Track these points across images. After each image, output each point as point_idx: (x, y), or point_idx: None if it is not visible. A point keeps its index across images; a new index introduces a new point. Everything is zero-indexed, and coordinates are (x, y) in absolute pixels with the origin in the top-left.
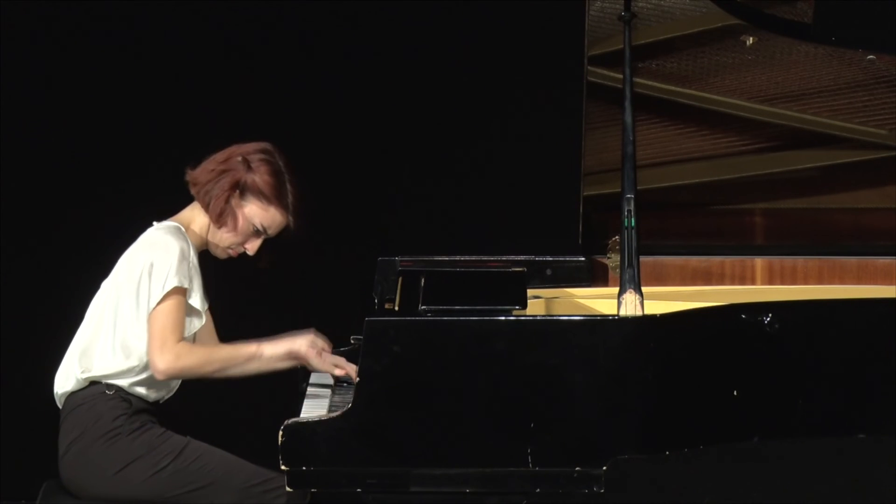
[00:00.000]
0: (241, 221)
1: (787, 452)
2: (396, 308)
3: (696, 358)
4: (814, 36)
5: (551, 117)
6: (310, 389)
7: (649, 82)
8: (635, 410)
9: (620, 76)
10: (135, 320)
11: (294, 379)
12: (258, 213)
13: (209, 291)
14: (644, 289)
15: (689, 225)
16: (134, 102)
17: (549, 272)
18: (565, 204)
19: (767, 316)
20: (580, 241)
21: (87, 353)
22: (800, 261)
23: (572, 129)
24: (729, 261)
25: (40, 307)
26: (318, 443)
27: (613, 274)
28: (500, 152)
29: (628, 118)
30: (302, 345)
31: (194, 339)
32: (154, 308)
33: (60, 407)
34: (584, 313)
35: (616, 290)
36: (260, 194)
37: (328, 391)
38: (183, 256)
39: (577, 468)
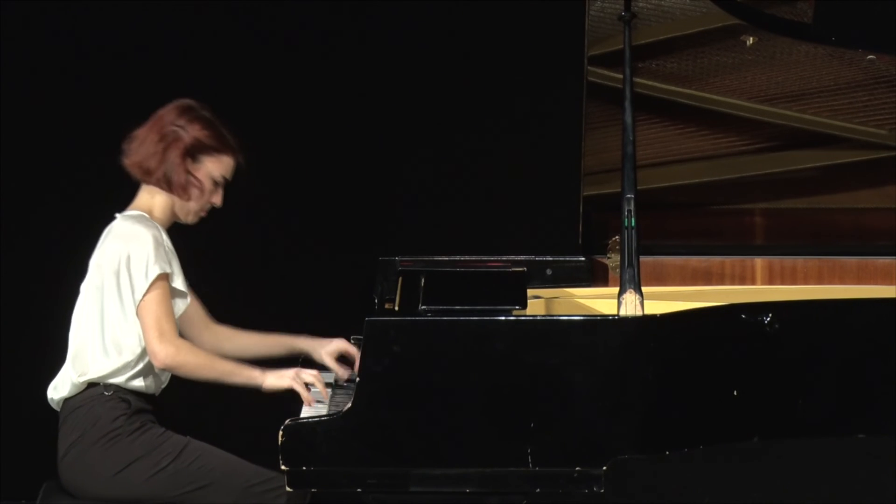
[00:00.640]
0: (204, 183)
1: (787, 452)
2: (396, 308)
3: (696, 358)
4: (814, 36)
5: (551, 117)
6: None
7: (649, 82)
8: (635, 410)
9: (620, 76)
10: (122, 317)
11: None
12: (214, 167)
13: (205, 277)
14: (644, 289)
15: (689, 225)
16: (135, 101)
17: (549, 272)
18: (565, 204)
19: (767, 316)
20: (580, 241)
21: (79, 358)
22: (800, 261)
23: (572, 129)
24: (729, 261)
25: (40, 307)
26: (318, 443)
27: (613, 274)
28: (501, 152)
29: (628, 118)
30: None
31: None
32: (142, 299)
33: (58, 410)
34: (584, 313)
35: (616, 290)
36: (208, 149)
37: (328, 390)
38: (158, 243)
39: (577, 468)
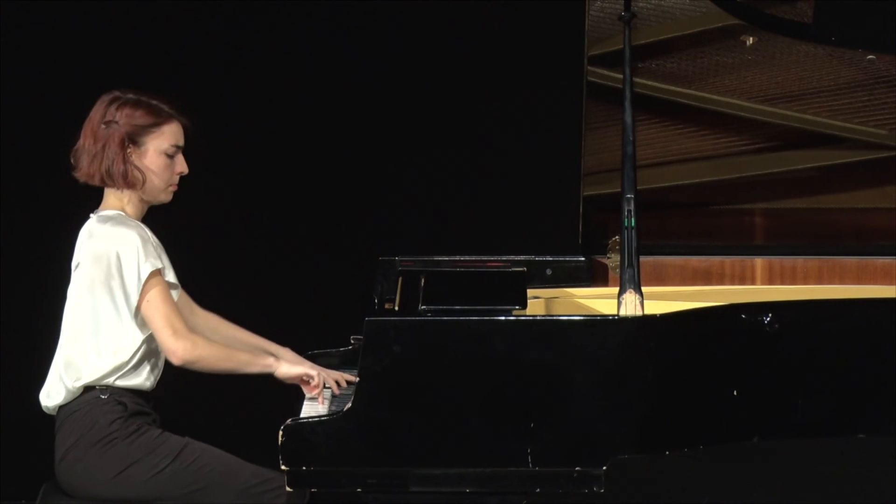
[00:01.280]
0: (154, 161)
1: (787, 452)
2: (396, 308)
3: (696, 358)
4: (814, 36)
5: (551, 117)
6: None
7: (649, 82)
8: (635, 410)
9: (620, 76)
10: (116, 319)
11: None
12: (160, 141)
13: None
14: (644, 289)
15: (689, 225)
16: None
17: (549, 272)
18: (565, 204)
19: (767, 316)
20: (580, 241)
21: (71, 364)
22: (800, 261)
23: (572, 129)
24: (729, 261)
25: (38, 308)
26: (318, 443)
27: (613, 274)
28: (500, 152)
29: (628, 118)
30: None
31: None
32: (143, 300)
33: (54, 415)
34: (584, 313)
35: (616, 290)
36: (145, 128)
37: (328, 391)
38: (144, 240)
39: (577, 468)
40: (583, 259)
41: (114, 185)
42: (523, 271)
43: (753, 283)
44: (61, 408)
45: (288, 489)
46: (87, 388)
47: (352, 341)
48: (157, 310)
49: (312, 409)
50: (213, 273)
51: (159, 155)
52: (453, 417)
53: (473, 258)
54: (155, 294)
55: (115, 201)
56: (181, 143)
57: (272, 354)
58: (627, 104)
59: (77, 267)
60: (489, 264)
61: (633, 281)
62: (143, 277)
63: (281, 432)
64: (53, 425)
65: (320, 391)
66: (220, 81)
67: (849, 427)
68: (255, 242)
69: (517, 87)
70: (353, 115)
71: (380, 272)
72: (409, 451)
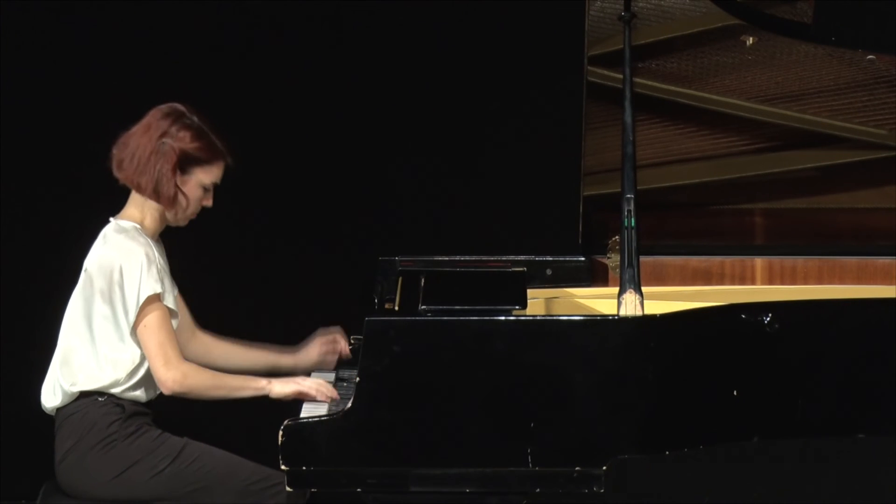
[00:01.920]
0: (192, 191)
1: (787, 452)
2: (396, 308)
3: (696, 358)
4: (814, 36)
5: (551, 117)
6: None
7: (649, 82)
8: (635, 410)
9: (620, 76)
10: (115, 336)
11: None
12: (205, 176)
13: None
14: (644, 289)
15: (689, 225)
16: (134, 102)
17: (549, 272)
18: (565, 204)
19: (767, 316)
20: (580, 241)
21: (69, 366)
22: (800, 261)
23: (572, 129)
24: (729, 261)
25: (39, 307)
26: (318, 443)
27: (613, 274)
28: (501, 152)
29: (628, 118)
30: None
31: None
32: (140, 323)
33: (53, 415)
34: (584, 313)
35: (616, 290)
36: (197, 161)
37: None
38: (150, 260)
39: (577, 468)
40: (583, 259)
41: (159, 201)
42: (523, 271)
43: (753, 283)
44: (59, 410)
45: (288, 489)
46: (84, 394)
47: (352, 341)
48: (153, 337)
49: (312, 409)
50: (213, 273)
51: (198, 187)
52: (453, 417)
53: (473, 258)
54: (152, 319)
55: (136, 212)
56: (219, 181)
57: (263, 377)
58: (627, 104)
59: (85, 270)
60: (489, 264)
61: (633, 281)
62: (142, 299)
63: (281, 432)
64: (53, 425)
65: (324, 391)
66: (219, 81)
67: (849, 427)
68: (254, 242)
69: (517, 87)
70: (353, 115)
71: (380, 272)
72: (409, 451)
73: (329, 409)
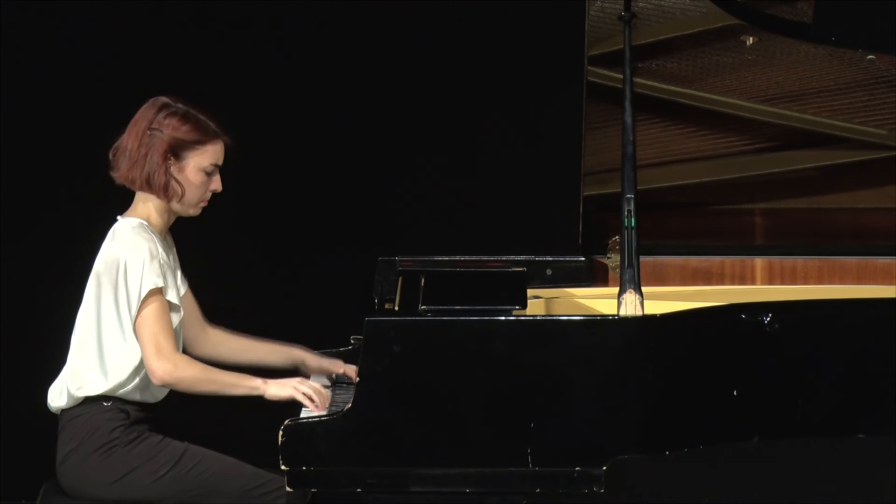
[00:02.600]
0: (192, 177)
1: (787, 452)
2: (396, 308)
3: (696, 358)
4: (814, 36)
5: (551, 117)
6: None
7: (649, 82)
8: (635, 410)
9: (620, 76)
10: (119, 335)
11: (308, 375)
12: (201, 159)
13: (202, 277)
14: (644, 289)
15: (689, 225)
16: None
17: (549, 272)
18: (565, 204)
19: (767, 316)
20: (580, 241)
21: (77, 370)
22: (800, 261)
23: (572, 129)
24: (729, 261)
25: (41, 307)
26: (318, 443)
27: (613, 274)
28: (500, 152)
29: (628, 118)
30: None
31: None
32: (138, 315)
33: (58, 415)
34: (584, 313)
35: (616, 290)
36: (189, 144)
37: (328, 391)
38: (153, 256)
39: (577, 468)
40: (583, 259)
41: (152, 192)
42: (523, 271)
43: (753, 283)
44: (64, 411)
45: (288, 489)
46: (90, 399)
47: (352, 341)
48: (147, 327)
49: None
50: (213, 273)
51: (198, 172)
52: (453, 417)
53: (473, 258)
54: (149, 311)
55: (142, 209)
56: (220, 162)
57: (258, 377)
58: (627, 104)
59: (95, 269)
60: (489, 264)
61: (633, 281)
62: (144, 292)
63: (281, 432)
64: (54, 425)
65: (316, 402)
66: (219, 81)
67: (849, 427)
68: (254, 242)
69: (517, 88)
70: (352, 115)
71: (380, 272)
72: (409, 451)
73: (329, 409)
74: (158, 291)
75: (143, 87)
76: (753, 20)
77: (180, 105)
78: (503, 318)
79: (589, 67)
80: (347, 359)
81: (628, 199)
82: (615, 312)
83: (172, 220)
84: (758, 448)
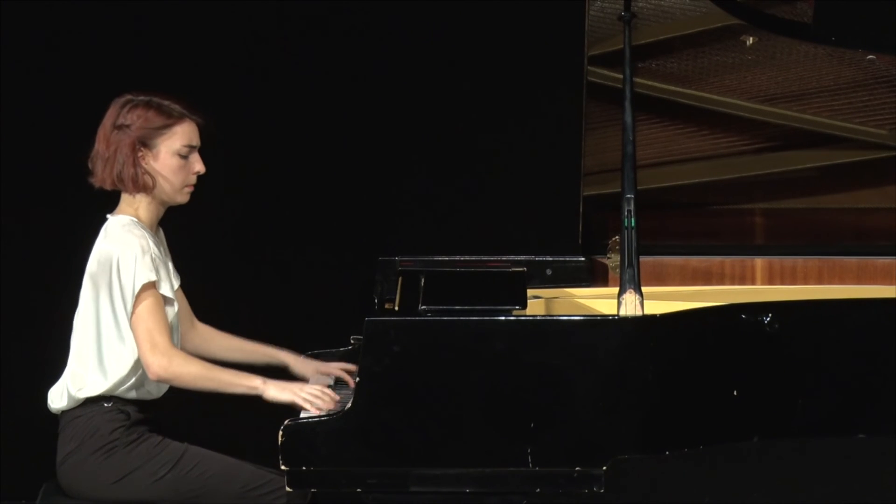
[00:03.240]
0: (167, 162)
1: (787, 452)
2: (396, 308)
3: (696, 358)
4: (814, 36)
5: (551, 117)
6: None
7: (649, 82)
8: (635, 410)
9: (620, 76)
10: (116, 334)
11: (294, 379)
12: (172, 142)
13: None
14: (644, 289)
15: (689, 225)
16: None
17: (549, 272)
18: (565, 204)
19: (767, 316)
20: (580, 241)
21: (77, 372)
22: (800, 261)
23: (572, 129)
24: (729, 261)
25: (40, 307)
26: (318, 443)
27: (613, 274)
28: (501, 152)
29: (628, 118)
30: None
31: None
32: (133, 310)
33: (58, 416)
34: (584, 313)
35: (616, 290)
36: (156, 130)
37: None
38: (144, 251)
39: (577, 468)
40: (583, 259)
41: (125, 189)
42: (523, 271)
43: (753, 283)
44: (65, 412)
45: (288, 489)
46: (90, 400)
47: (352, 341)
48: (142, 322)
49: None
50: (213, 273)
51: (172, 156)
52: (453, 417)
53: (473, 258)
54: (144, 307)
55: (128, 207)
56: (195, 142)
57: (259, 376)
58: (627, 104)
59: (88, 269)
60: (489, 264)
61: (633, 281)
62: (137, 287)
63: (281, 432)
64: (54, 426)
65: (320, 406)
66: (219, 82)
67: (849, 427)
68: (254, 242)
69: (517, 88)
70: (352, 114)
71: (380, 272)
72: (409, 451)
73: (329, 409)
74: (152, 285)
75: (140, 87)
76: (753, 20)
77: (142, 97)
78: (503, 318)
79: (589, 67)
80: (347, 359)
81: (628, 199)
82: (615, 312)
83: (162, 212)
84: (758, 448)
